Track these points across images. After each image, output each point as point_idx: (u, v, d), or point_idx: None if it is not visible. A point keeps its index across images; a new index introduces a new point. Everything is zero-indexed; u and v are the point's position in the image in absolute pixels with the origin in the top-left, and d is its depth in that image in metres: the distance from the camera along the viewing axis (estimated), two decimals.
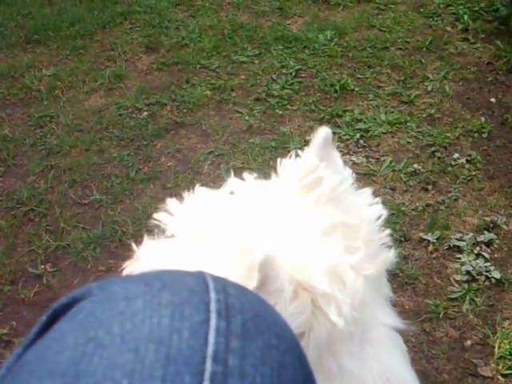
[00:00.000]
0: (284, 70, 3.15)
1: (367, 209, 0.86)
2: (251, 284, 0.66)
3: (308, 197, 0.82)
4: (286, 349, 0.44)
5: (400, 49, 3.27)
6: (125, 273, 0.85)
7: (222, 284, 0.45)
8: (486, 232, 2.18)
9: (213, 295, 0.43)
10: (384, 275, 0.86)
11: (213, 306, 0.42)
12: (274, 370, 0.41)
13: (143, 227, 2.31)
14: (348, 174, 0.88)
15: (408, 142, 2.61)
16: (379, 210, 0.86)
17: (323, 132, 0.88)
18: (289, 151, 0.85)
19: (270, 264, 0.68)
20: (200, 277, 0.45)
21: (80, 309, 0.43)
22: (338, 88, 2.96)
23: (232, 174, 0.88)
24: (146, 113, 2.95)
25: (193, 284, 0.44)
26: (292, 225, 0.79)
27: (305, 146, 0.88)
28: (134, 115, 2.95)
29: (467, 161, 2.51)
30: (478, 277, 2.03)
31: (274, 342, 0.43)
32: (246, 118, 2.83)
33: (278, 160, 0.88)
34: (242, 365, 0.40)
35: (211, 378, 0.38)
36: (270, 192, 0.85)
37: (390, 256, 0.82)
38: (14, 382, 0.41)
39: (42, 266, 2.22)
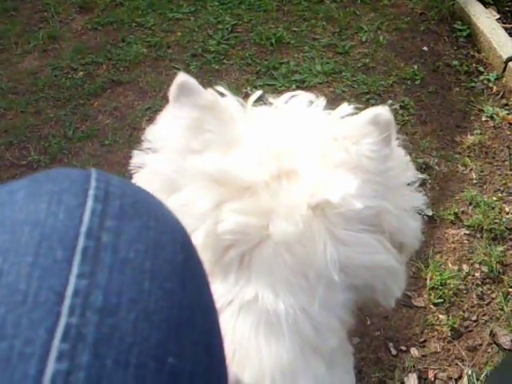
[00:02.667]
0: (220, 26, 3.14)
1: None
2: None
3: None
4: (166, 231, 0.46)
5: (335, 2, 3.29)
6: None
7: (106, 176, 0.47)
8: (419, 173, 2.25)
9: (93, 183, 0.45)
10: None
11: (91, 192, 0.44)
12: (150, 247, 0.43)
13: None
14: None
15: (343, 91, 2.65)
16: None
17: None
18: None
19: (185, 87, 0.76)
20: (86, 171, 0.47)
21: None
22: (273, 41, 2.98)
23: None
24: (81, 73, 2.91)
25: (76, 176, 0.46)
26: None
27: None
28: (69, 75, 2.91)
29: (401, 107, 2.57)
30: None
31: (152, 224, 0.45)
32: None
33: None
34: (116, 241, 0.42)
35: (83, 251, 0.40)
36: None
37: None
38: None
39: None
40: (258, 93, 0.90)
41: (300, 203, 0.70)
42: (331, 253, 0.69)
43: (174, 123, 0.78)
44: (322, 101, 0.86)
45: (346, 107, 0.82)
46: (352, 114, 0.80)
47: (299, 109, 0.83)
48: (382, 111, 0.71)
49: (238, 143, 0.76)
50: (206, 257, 0.70)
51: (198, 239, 0.71)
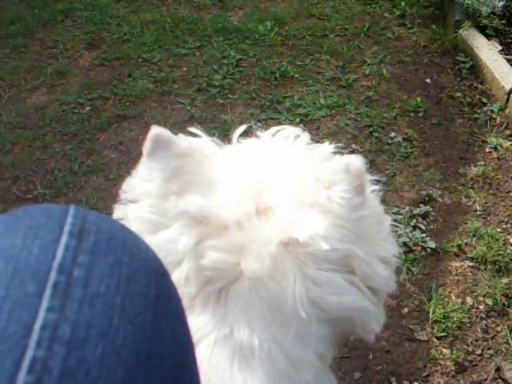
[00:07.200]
0: (225, 61, 3.18)
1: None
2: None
3: None
4: (140, 266, 0.47)
5: (339, 35, 3.34)
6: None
7: (83, 212, 0.48)
8: (421, 205, 2.25)
9: (69, 219, 0.46)
10: None
11: (66, 228, 0.45)
12: (122, 282, 0.44)
13: None
14: None
15: (346, 124, 2.67)
16: None
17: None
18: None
19: (159, 140, 0.77)
20: (64, 207, 0.48)
21: None
22: (278, 75, 3.01)
23: None
24: (88, 107, 2.96)
25: (53, 212, 0.47)
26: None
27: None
28: (76, 110, 2.95)
29: (404, 139, 2.58)
30: (415, 247, 2.09)
31: (126, 260, 0.46)
32: (188, 108, 2.85)
33: None
34: (87, 276, 0.43)
35: (53, 286, 0.41)
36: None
37: None
38: None
39: None
40: (243, 127, 0.93)
41: (270, 240, 0.72)
42: (300, 291, 0.71)
43: (152, 175, 0.78)
44: (306, 136, 0.87)
45: (327, 147, 0.83)
46: (333, 154, 0.81)
47: (281, 145, 0.85)
48: (354, 160, 0.72)
49: (217, 182, 0.78)
50: (187, 290, 0.73)
51: (181, 274, 0.73)
